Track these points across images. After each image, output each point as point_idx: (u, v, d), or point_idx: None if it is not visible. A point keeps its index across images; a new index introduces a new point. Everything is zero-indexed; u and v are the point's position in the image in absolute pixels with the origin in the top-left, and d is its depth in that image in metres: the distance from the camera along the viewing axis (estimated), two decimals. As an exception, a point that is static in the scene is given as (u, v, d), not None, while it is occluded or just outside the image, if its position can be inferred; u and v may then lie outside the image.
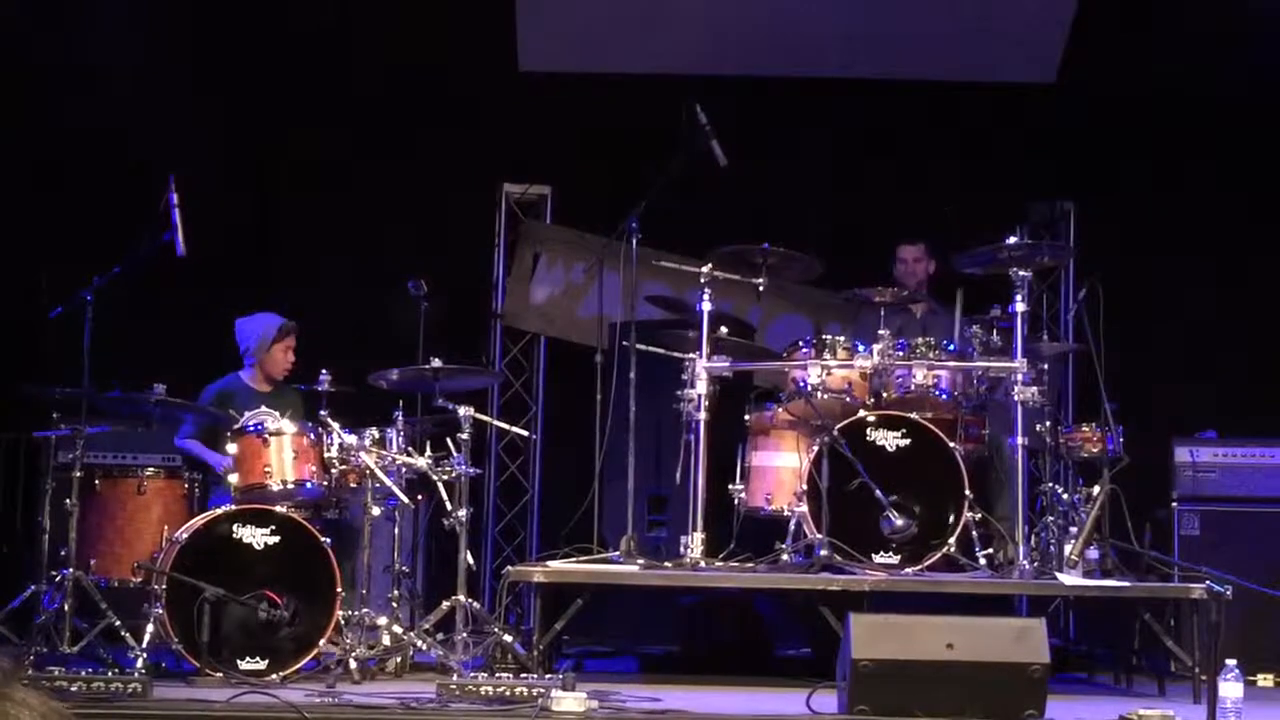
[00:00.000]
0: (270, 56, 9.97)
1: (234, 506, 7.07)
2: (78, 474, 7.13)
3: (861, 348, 7.73)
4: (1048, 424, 7.89)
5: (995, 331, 7.75)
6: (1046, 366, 7.87)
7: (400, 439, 7.41)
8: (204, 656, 6.60)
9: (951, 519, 7.38)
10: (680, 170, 7.97)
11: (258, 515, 6.95)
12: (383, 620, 7.19)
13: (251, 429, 7.25)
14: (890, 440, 7.48)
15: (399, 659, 7.17)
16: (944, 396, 7.78)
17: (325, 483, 7.32)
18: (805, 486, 7.48)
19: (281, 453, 7.24)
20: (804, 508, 7.46)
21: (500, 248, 10.59)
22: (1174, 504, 8.25)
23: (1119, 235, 9.83)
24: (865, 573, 7.16)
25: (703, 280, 7.69)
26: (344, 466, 7.34)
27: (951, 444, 7.47)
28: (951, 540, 7.35)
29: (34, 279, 9.11)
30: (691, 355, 7.68)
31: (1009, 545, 7.46)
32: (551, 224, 10.64)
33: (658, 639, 8.83)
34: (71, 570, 6.94)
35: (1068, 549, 7.21)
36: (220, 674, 6.57)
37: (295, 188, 10.11)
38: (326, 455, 7.31)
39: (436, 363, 7.51)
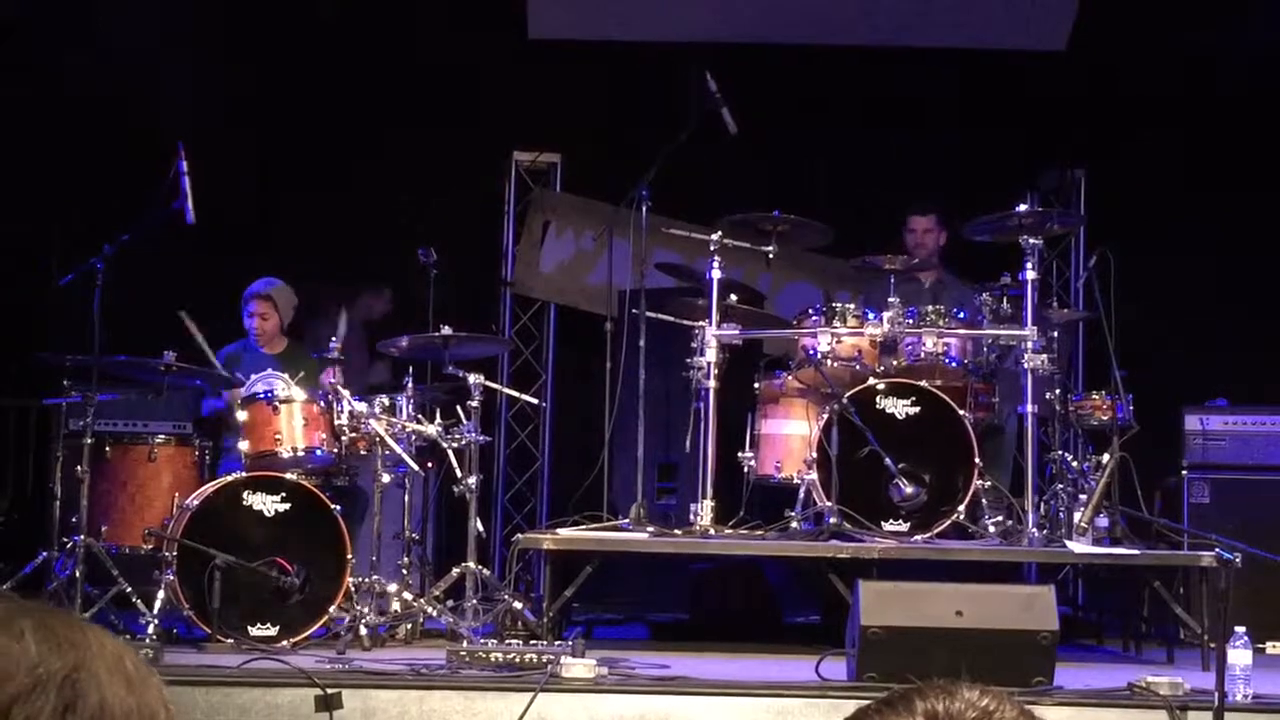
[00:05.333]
0: (277, 23, 9.95)
1: (244, 474, 7.08)
2: (89, 441, 7.14)
3: (871, 315, 7.72)
4: (1057, 391, 7.88)
5: (1005, 299, 7.74)
6: (1056, 334, 7.86)
7: (410, 406, 7.42)
8: (215, 623, 6.62)
9: (961, 487, 7.38)
10: (690, 138, 7.95)
11: (268, 482, 6.97)
12: (393, 587, 7.21)
13: (261, 396, 7.26)
14: (900, 408, 7.48)
15: (409, 626, 7.19)
16: (954, 364, 7.77)
17: (335, 450, 7.34)
18: (815, 454, 7.48)
19: (291, 420, 7.25)
20: (813, 475, 7.46)
21: (510, 216, 10.58)
22: (1184, 472, 8.25)
23: (1130, 203, 9.80)
24: (874, 540, 7.16)
25: (712, 248, 7.67)
26: (354, 434, 7.35)
27: (961, 412, 7.47)
28: (961, 508, 7.35)
29: (45, 247, 9.13)
30: (701, 323, 7.67)
31: (1018, 512, 7.45)
32: (561, 192, 10.63)
33: (667, 606, 8.84)
34: (83, 537, 6.95)
35: (1077, 517, 7.20)
36: (231, 640, 6.59)
37: (304, 155, 10.10)
38: (337, 422, 7.32)
39: (446, 330, 7.51)
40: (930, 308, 7.78)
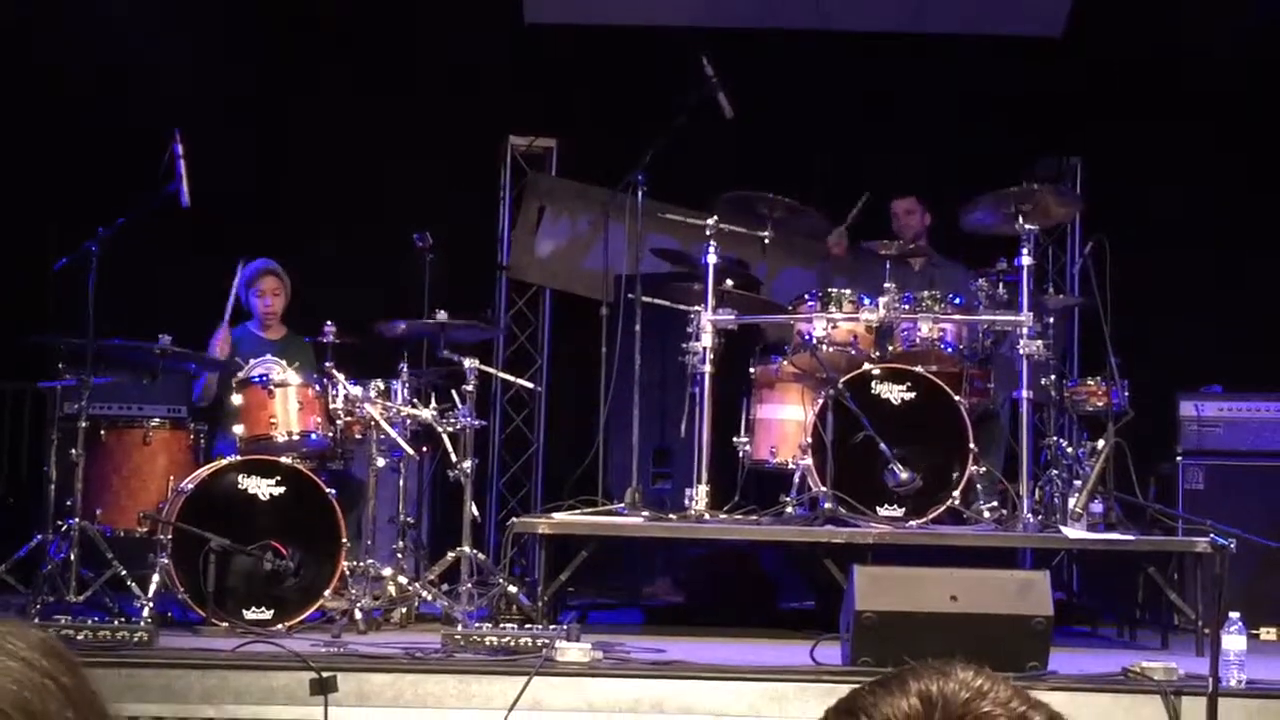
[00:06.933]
0: (273, 9, 9.94)
1: (239, 457, 7.08)
2: (83, 424, 7.14)
3: (867, 301, 7.72)
4: (1053, 377, 7.89)
5: (1001, 285, 7.74)
6: (1052, 320, 7.87)
7: (405, 390, 7.42)
8: (209, 606, 6.63)
9: (956, 472, 7.38)
10: (686, 123, 7.94)
11: (263, 466, 6.97)
12: (388, 571, 7.21)
13: (256, 380, 7.25)
14: (895, 393, 7.48)
15: (404, 610, 7.20)
16: (949, 350, 7.77)
17: (330, 434, 7.34)
18: (810, 439, 7.48)
19: (286, 404, 7.25)
20: (808, 460, 7.46)
21: (506, 200, 10.58)
22: (1178, 458, 8.25)
23: (1126, 190, 9.79)
24: (869, 525, 7.17)
25: (708, 233, 7.67)
26: (349, 418, 7.36)
27: (956, 397, 7.47)
28: (956, 493, 7.36)
29: (41, 231, 9.11)
30: (697, 308, 7.67)
31: (1013, 498, 7.46)
32: (557, 177, 10.62)
33: (662, 591, 8.84)
34: (77, 520, 6.95)
35: (1072, 502, 7.21)
36: (226, 624, 6.60)
37: (301, 140, 10.09)
38: (332, 406, 7.32)
39: (442, 315, 7.51)
40: (926, 293, 7.77)
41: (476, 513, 7.45)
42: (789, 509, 7.55)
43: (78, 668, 1.60)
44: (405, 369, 7.50)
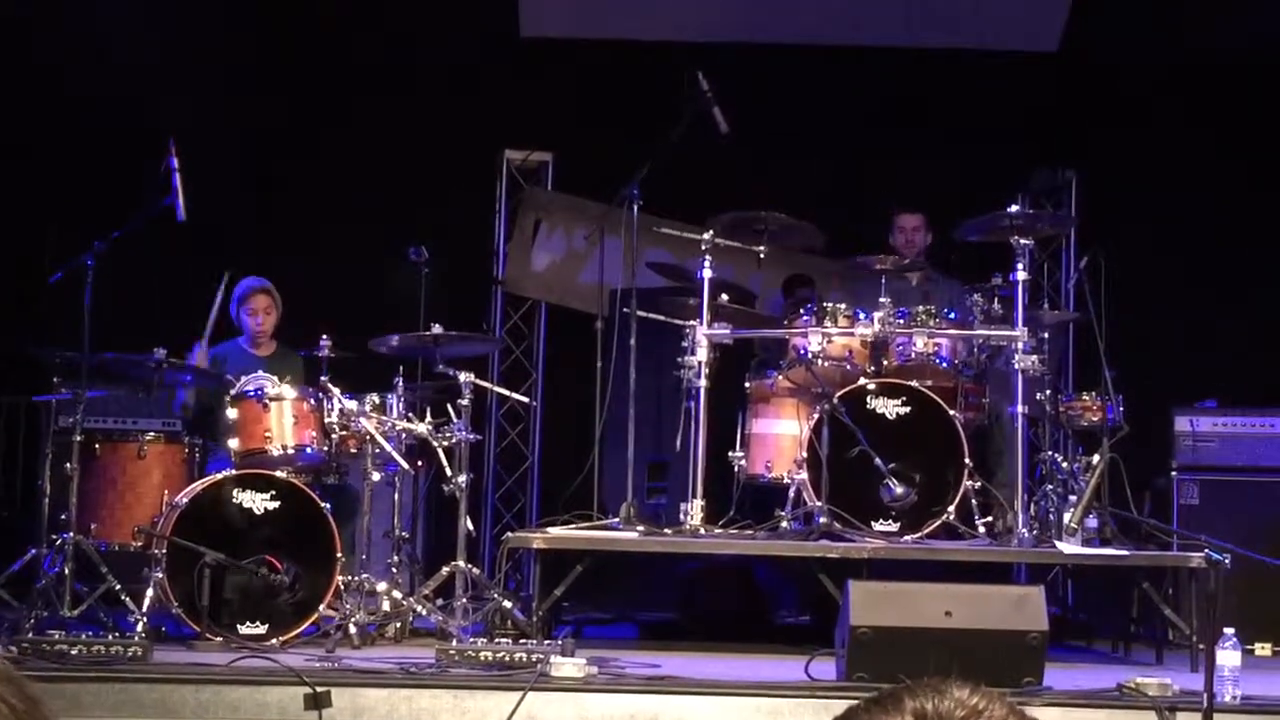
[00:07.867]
0: (271, 21, 9.94)
1: (234, 471, 7.07)
2: (78, 438, 7.13)
3: (862, 315, 7.72)
4: (1048, 392, 7.88)
5: (996, 300, 7.75)
6: (1047, 335, 7.88)
7: (401, 405, 7.41)
8: (204, 621, 6.62)
9: (951, 487, 7.38)
10: (682, 137, 7.94)
11: (258, 480, 6.96)
12: (382, 586, 7.20)
13: (251, 394, 7.24)
14: (890, 408, 7.48)
15: (398, 624, 7.19)
16: (944, 364, 7.78)
17: (325, 448, 7.33)
18: (805, 454, 7.48)
19: (282, 418, 7.24)
20: (804, 475, 7.46)
21: (501, 214, 10.58)
22: (1173, 473, 8.24)
23: (1121, 204, 9.81)
24: (864, 540, 7.16)
25: (704, 247, 7.67)
26: (344, 432, 7.35)
27: (951, 412, 7.47)
28: (951, 508, 7.36)
29: (37, 242, 9.11)
30: (692, 322, 7.67)
31: (1008, 513, 7.46)
32: (553, 191, 10.63)
33: (657, 606, 8.83)
34: (72, 534, 6.94)
35: (1067, 517, 7.20)
36: (220, 638, 6.58)
37: (296, 154, 10.09)
38: (327, 420, 7.31)
39: (437, 329, 7.50)
40: (921, 308, 7.78)
41: (471, 527, 7.44)
42: (784, 524, 7.54)
43: (31, 694, 1.61)
44: (400, 383, 7.49)
